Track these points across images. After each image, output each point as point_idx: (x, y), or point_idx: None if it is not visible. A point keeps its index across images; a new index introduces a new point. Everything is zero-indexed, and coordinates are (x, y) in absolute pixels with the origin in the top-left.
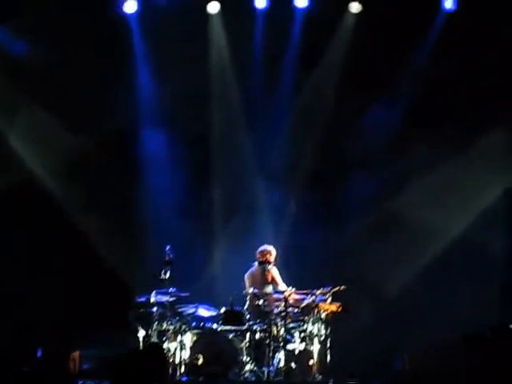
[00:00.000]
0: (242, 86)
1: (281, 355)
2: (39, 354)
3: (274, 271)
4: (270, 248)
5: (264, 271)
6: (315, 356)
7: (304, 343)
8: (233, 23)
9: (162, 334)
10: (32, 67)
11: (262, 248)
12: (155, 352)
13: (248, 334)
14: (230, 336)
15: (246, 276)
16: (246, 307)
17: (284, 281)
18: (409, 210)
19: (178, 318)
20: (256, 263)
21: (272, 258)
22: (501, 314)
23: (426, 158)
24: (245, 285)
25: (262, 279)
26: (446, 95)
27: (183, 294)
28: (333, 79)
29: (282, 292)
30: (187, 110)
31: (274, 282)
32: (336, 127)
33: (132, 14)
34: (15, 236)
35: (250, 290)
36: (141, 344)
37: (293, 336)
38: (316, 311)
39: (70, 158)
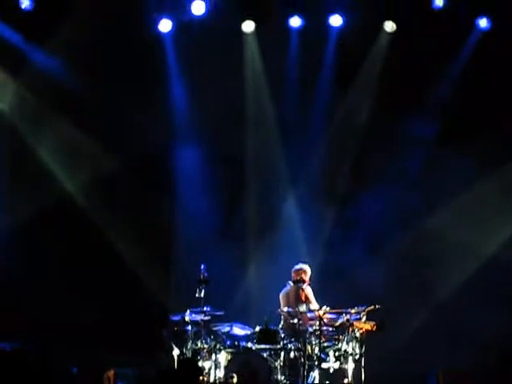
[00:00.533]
0: (276, 104)
1: (315, 374)
2: (74, 371)
3: (308, 290)
4: (305, 267)
5: (298, 290)
6: (350, 375)
7: (338, 362)
8: (268, 42)
9: (196, 352)
10: (66, 87)
11: (297, 267)
12: (189, 367)
13: (282, 353)
14: (265, 355)
15: (281, 295)
16: (280, 326)
17: (317, 300)
18: (444, 227)
19: (212, 336)
20: (291, 282)
21: (307, 277)
22: None
23: (461, 174)
24: (279, 303)
25: (297, 298)
26: (480, 112)
27: (218, 313)
28: (367, 98)
29: (316, 311)
30: (221, 128)
31: (307, 300)
32: (370, 145)
33: (167, 33)
34: (49, 255)
35: (285, 309)
36: (175, 363)
37: (327, 355)
38: (350, 330)
39: (103, 178)
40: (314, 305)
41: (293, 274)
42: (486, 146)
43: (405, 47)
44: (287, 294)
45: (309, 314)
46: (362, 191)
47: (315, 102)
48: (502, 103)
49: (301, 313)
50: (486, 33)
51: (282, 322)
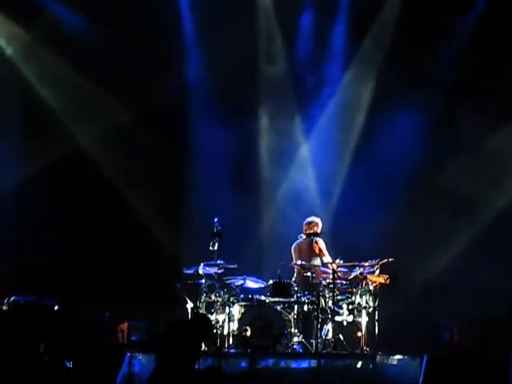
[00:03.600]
0: (289, 57)
1: (329, 327)
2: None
3: (321, 243)
4: (317, 219)
5: (311, 243)
6: (363, 328)
7: (352, 315)
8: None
9: (210, 305)
10: (83, 43)
11: (308, 219)
12: (201, 322)
13: (296, 306)
14: (278, 308)
15: (293, 248)
16: (293, 279)
17: (331, 252)
18: (455, 182)
19: (226, 289)
20: (303, 235)
21: (319, 230)
22: None
23: (473, 129)
24: (292, 257)
25: (309, 251)
26: (494, 68)
27: (231, 266)
28: (380, 54)
29: (330, 264)
30: (234, 82)
31: (321, 253)
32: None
33: None
34: (62, 208)
35: (298, 262)
36: (189, 316)
37: (341, 308)
38: (364, 283)
39: (116, 130)
40: (328, 258)
41: (304, 227)
42: (500, 102)
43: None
44: (299, 247)
45: (322, 268)
46: (374, 143)
47: (329, 57)
48: None
49: (314, 266)
50: None
51: (295, 275)
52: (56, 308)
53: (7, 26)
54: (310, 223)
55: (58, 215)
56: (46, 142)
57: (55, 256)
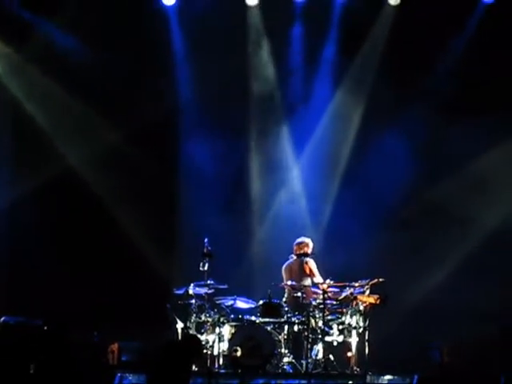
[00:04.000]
0: (281, 80)
1: (319, 347)
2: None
3: (312, 263)
4: (307, 240)
5: (302, 263)
6: (353, 348)
7: (342, 335)
8: (271, 16)
9: (200, 325)
10: (73, 63)
11: (299, 240)
12: (191, 342)
13: (286, 327)
14: (269, 328)
15: (284, 268)
16: (284, 299)
17: (322, 272)
18: (448, 201)
19: (216, 309)
20: (293, 255)
21: (309, 250)
22: None
23: (466, 147)
24: (282, 277)
25: (300, 271)
26: (486, 86)
27: (221, 286)
28: (370, 71)
29: (320, 284)
30: (225, 101)
31: (311, 273)
32: (374, 116)
33: (170, 7)
34: (54, 228)
35: (289, 283)
36: (179, 336)
37: (331, 328)
38: (354, 303)
39: (107, 150)
40: (318, 278)
41: (295, 248)
42: (492, 118)
43: (409, 21)
44: (290, 268)
45: (312, 288)
46: (365, 161)
47: (319, 77)
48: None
49: (304, 286)
50: (490, 5)
51: (285, 296)
52: (45, 329)
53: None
54: (299, 244)
55: (50, 235)
56: (38, 162)
57: (46, 277)
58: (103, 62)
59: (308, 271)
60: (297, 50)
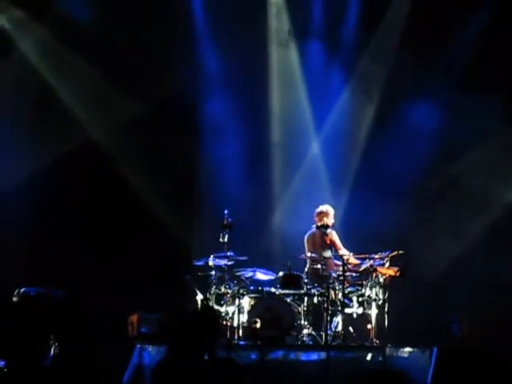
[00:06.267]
0: (301, 55)
1: (338, 319)
2: None
3: (333, 234)
4: (326, 208)
5: (323, 234)
6: (373, 320)
7: (362, 307)
8: None
9: (219, 297)
10: (92, 32)
11: (318, 210)
12: (208, 314)
13: (306, 298)
14: (288, 300)
15: (306, 238)
16: (305, 270)
17: (343, 243)
18: (468, 174)
19: (235, 281)
20: (314, 226)
21: (329, 220)
22: None
23: (482, 125)
24: (304, 247)
25: (321, 243)
26: (502, 62)
27: (241, 258)
28: (390, 47)
29: (341, 257)
30: (247, 77)
31: (333, 245)
32: (393, 93)
33: None
34: (74, 200)
35: (309, 254)
36: (199, 307)
37: (351, 300)
38: (374, 275)
39: (128, 122)
40: (342, 250)
41: (315, 219)
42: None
43: None
44: (311, 238)
45: (335, 260)
46: (386, 134)
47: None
48: None
49: (325, 258)
50: None
51: (307, 266)
52: (63, 298)
53: (23, 21)
54: (319, 213)
55: (69, 207)
56: (59, 133)
57: (66, 248)
58: (124, 34)
59: (329, 242)
60: (318, 15)
